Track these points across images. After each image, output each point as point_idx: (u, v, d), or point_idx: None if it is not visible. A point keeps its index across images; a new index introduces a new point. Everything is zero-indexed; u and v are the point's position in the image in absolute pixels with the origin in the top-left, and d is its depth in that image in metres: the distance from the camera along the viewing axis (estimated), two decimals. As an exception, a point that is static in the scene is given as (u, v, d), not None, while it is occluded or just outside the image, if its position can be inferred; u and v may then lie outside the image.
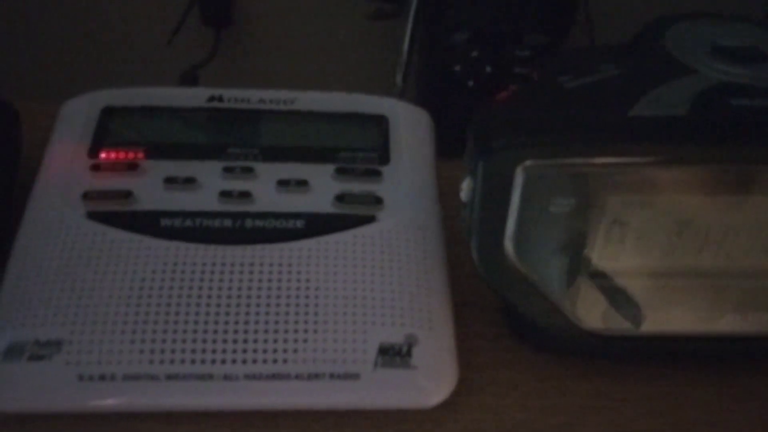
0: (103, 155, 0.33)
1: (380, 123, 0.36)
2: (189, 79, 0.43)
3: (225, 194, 0.32)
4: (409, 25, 0.40)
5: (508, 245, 0.27)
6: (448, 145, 0.38)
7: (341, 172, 0.33)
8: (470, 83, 0.43)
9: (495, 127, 0.26)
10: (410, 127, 0.37)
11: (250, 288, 0.29)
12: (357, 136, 0.35)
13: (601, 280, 0.28)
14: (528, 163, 0.26)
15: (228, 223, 0.31)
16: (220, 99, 0.36)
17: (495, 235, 0.27)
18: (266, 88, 0.41)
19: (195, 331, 0.28)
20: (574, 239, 0.28)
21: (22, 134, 0.38)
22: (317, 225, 0.31)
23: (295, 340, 0.28)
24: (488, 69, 0.43)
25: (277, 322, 0.28)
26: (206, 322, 0.28)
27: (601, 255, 0.28)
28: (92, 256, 0.30)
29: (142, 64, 0.48)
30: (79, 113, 0.35)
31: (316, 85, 0.43)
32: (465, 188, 0.28)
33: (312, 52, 0.48)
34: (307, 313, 0.29)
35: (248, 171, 0.33)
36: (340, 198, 0.32)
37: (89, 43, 0.47)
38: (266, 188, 0.32)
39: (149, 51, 0.47)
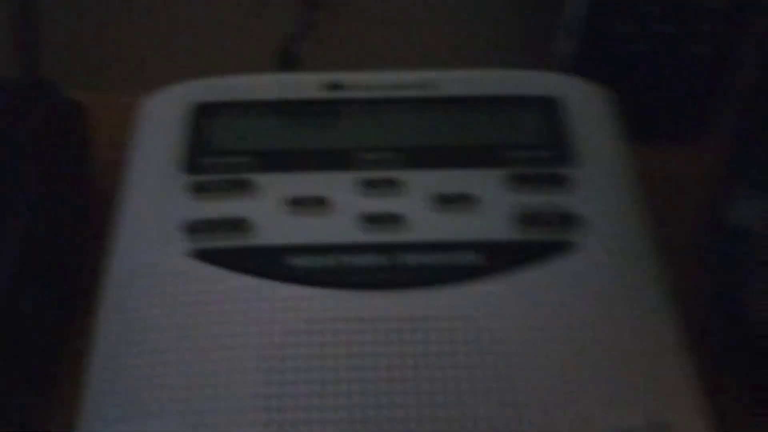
0: (204, 170, 0.25)
1: (550, 108, 0.27)
2: (289, 59, 0.35)
3: (368, 218, 0.24)
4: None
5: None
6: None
7: (517, 180, 0.25)
8: (642, 47, 0.35)
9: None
10: (590, 112, 0.27)
11: (420, 353, 0.21)
12: (524, 127, 0.26)
13: None
14: None
15: (378, 259, 0.23)
16: (341, 86, 0.28)
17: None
18: (384, 66, 0.34)
19: (358, 422, 0.20)
20: None
21: (90, 142, 0.31)
22: (497, 257, 0.23)
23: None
24: (668, 29, 0.34)
25: (469, 405, 0.20)
26: (372, 408, 0.20)
27: None
28: (204, 313, 0.22)
29: (221, 41, 0.41)
30: (164, 113, 0.27)
31: (444, 61, 0.35)
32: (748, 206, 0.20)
33: (434, 18, 0.39)
34: (507, 390, 0.20)
35: (392, 184, 0.24)
36: (524, 217, 0.24)
37: (156, 17, 0.40)
38: (420, 207, 0.24)
39: (229, 25, 0.40)
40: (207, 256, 0.23)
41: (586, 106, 0.28)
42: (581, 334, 0.22)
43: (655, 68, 0.33)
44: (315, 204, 0.24)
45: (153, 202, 0.24)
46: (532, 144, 0.26)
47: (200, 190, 0.24)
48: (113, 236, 0.25)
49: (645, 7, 0.31)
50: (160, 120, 0.27)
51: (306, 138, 0.26)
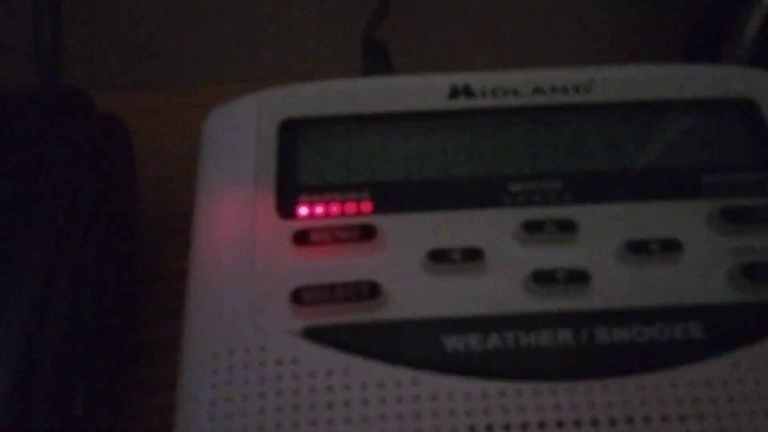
0: (304, 212, 0.19)
1: (751, 114, 0.20)
2: (377, 50, 0.25)
3: (541, 277, 0.17)
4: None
5: None
6: None
7: (730, 217, 0.18)
8: None
9: None
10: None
11: None
12: (723, 141, 0.20)
13: None
14: None
15: (565, 336, 0.17)
16: (469, 92, 0.21)
17: None
18: (472, 57, 0.28)
19: None
20: None
21: (135, 164, 0.25)
22: (722, 328, 0.17)
23: None
24: None
25: None
26: None
27: None
28: (325, 418, 0.15)
29: (279, 28, 0.34)
30: (238, 132, 0.20)
31: (544, 50, 0.29)
32: None
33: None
34: None
35: (568, 227, 0.18)
36: (748, 270, 0.17)
37: (202, 4, 0.33)
38: (607, 259, 0.18)
39: (290, 9, 0.33)
40: (324, 336, 0.17)
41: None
42: None
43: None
44: (465, 258, 0.17)
45: (240, 260, 0.18)
46: (736, 164, 0.19)
47: (305, 241, 0.18)
48: (187, 310, 0.18)
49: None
50: (235, 142, 0.20)
51: (436, 164, 0.19)
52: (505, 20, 0.33)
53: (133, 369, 0.23)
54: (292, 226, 0.18)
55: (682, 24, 0.32)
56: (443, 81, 0.21)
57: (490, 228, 0.18)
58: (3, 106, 0.22)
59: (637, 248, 0.18)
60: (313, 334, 0.17)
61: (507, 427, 0.16)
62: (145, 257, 0.25)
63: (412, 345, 0.17)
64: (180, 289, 0.19)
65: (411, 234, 0.18)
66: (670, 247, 0.18)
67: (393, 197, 0.19)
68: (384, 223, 0.18)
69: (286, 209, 0.19)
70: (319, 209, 0.19)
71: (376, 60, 0.26)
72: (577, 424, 0.16)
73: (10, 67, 0.28)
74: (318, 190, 0.19)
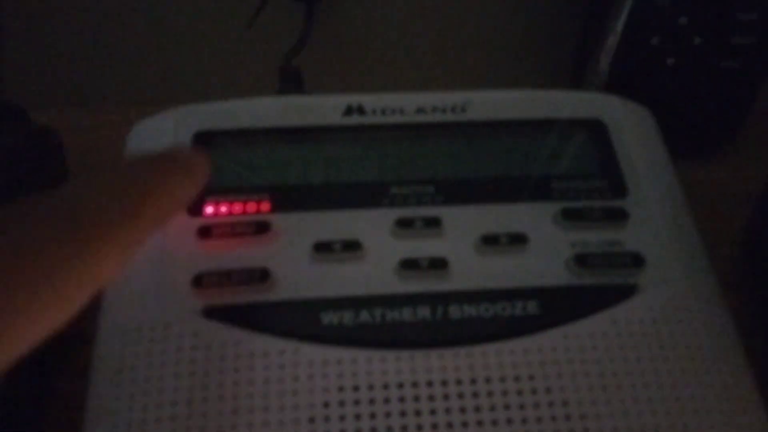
0: (210, 210, 0.22)
1: (598, 132, 0.24)
2: (291, 75, 0.30)
3: (408, 264, 0.21)
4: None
5: None
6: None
7: (570, 216, 0.22)
8: (670, 61, 0.33)
9: None
10: (638, 135, 0.25)
11: (474, 421, 0.18)
12: (572, 154, 0.24)
13: None
14: None
15: (424, 312, 0.20)
16: (361, 110, 0.25)
17: None
18: (382, 80, 0.31)
19: None
20: None
21: (68, 175, 0.28)
22: (555, 306, 0.20)
23: None
24: (697, 40, 0.32)
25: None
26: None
27: None
28: (219, 383, 0.19)
29: (211, 54, 0.37)
30: (158, 143, 0.23)
31: (449, 75, 0.33)
32: None
33: (439, 30, 0.36)
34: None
35: (431, 223, 0.22)
36: (581, 259, 0.21)
37: (139, 29, 0.36)
38: (464, 249, 0.21)
39: (220, 36, 0.36)
40: (220, 314, 0.20)
41: (634, 129, 0.25)
42: (650, 391, 0.19)
43: (685, 82, 0.32)
44: (345, 249, 0.21)
45: (151, 249, 0.21)
46: (582, 173, 0.23)
47: (208, 235, 0.21)
48: (104, 294, 0.21)
49: (678, 20, 0.30)
50: (154, 151, 0.24)
51: (328, 171, 0.23)
52: (416, 50, 0.37)
53: (66, 358, 0.25)
54: (198, 222, 0.21)
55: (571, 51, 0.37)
56: (340, 101, 0.25)
57: (370, 224, 0.22)
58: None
59: (490, 241, 0.21)
60: (210, 313, 0.20)
61: (371, 387, 0.19)
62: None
63: (294, 320, 0.20)
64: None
65: (301, 229, 0.21)
66: (517, 240, 0.21)
67: (289, 198, 0.22)
68: (279, 220, 0.22)
69: (194, 208, 0.22)
70: (223, 208, 0.22)
71: (290, 82, 0.29)
72: (429, 384, 0.19)
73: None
74: (224, 192, 0.22)
